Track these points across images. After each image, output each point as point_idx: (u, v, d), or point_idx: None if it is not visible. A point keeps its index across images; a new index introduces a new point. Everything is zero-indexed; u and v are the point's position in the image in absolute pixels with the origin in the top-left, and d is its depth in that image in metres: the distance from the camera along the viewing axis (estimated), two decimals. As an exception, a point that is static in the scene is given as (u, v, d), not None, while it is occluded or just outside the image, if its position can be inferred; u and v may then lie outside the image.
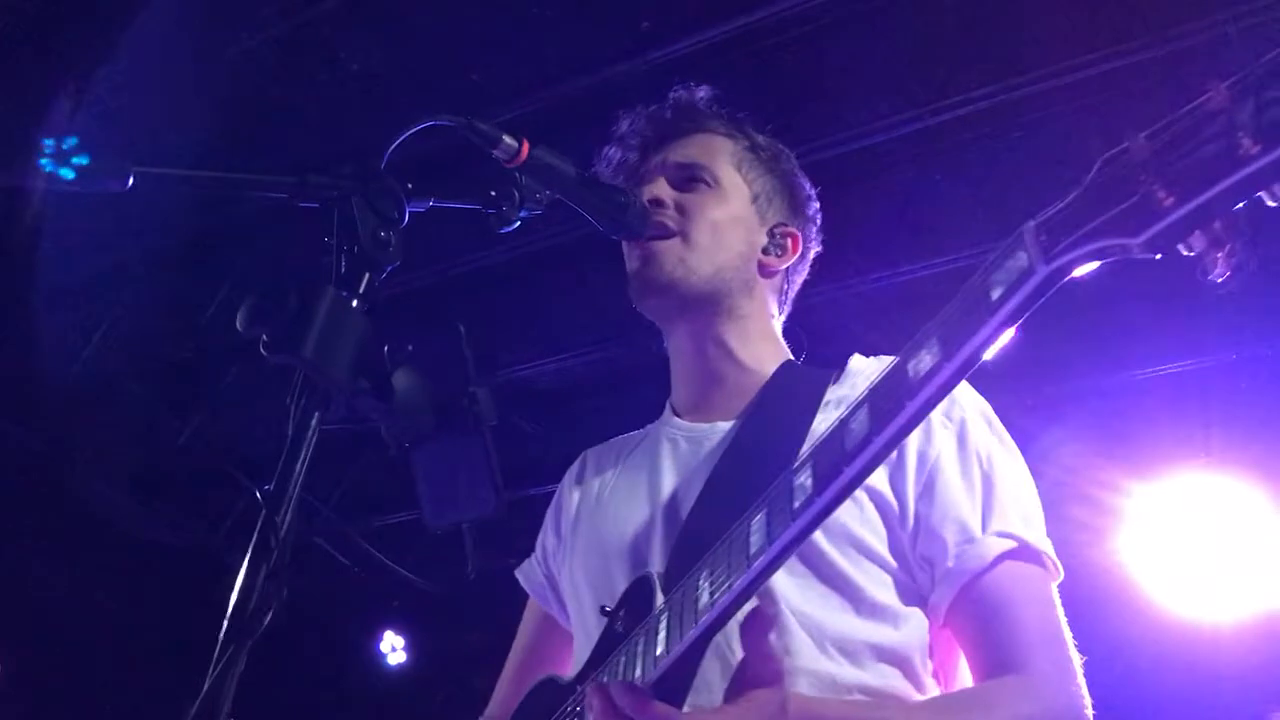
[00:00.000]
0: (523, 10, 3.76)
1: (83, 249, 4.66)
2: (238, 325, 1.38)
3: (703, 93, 2.27)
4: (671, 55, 3.71)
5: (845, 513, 1.81)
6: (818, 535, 1.75)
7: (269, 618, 1.23)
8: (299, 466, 1.34)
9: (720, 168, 2.18)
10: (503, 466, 1.61)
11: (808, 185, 2.31)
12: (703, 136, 2.23)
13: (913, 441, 1.85)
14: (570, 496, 2.27)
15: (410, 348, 1.52)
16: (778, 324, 2.24)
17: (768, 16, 3.60)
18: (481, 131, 1.81)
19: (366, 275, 1.51)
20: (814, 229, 2.30)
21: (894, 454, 1.78)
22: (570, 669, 1.99)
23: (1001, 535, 1.80)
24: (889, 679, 1.79)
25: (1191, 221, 1.07)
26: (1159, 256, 1.11)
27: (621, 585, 1.90)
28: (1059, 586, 1.86)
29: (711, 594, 1.53)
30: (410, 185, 1.61)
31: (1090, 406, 4.53)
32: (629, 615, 1.80)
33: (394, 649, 6.70)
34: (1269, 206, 1.04)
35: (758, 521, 1.51)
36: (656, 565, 1.89)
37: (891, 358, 1.41)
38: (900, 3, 3.60)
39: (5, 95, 3.79)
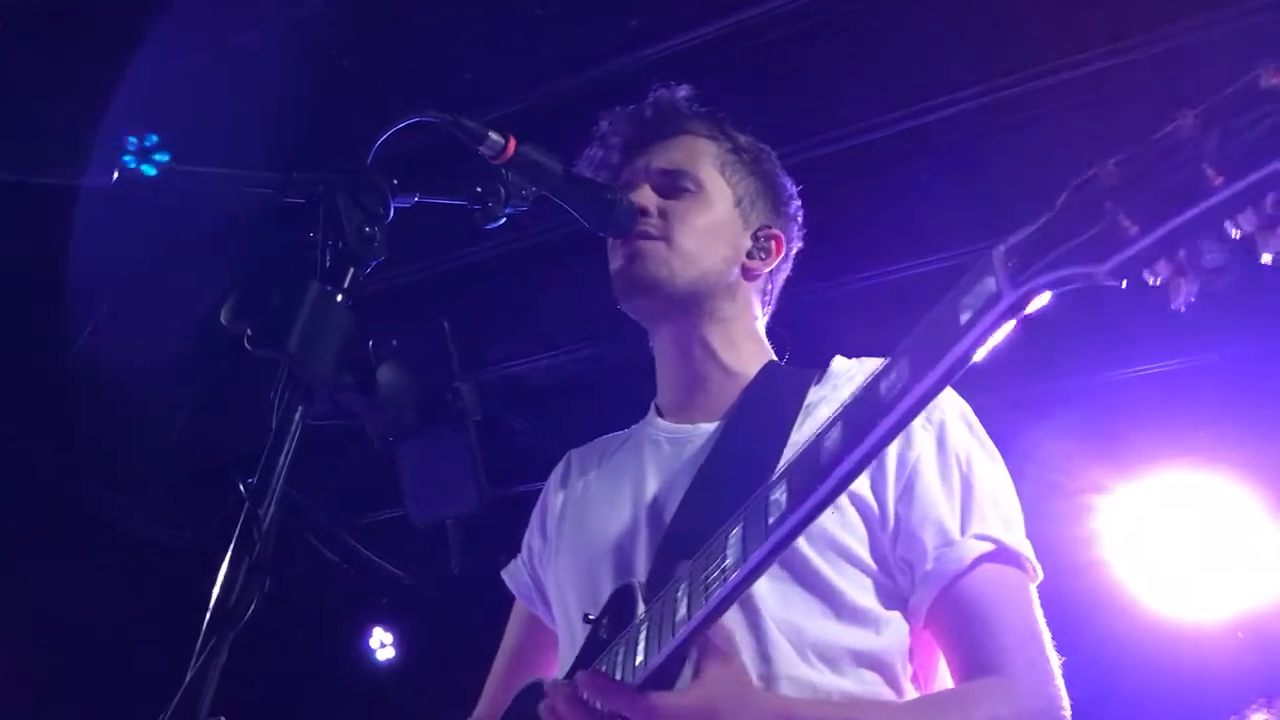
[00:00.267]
0: (515, 8, 3.75)
1: (79, 245, 4.63)
2: (222, 319, 1.38)
3: (683, 92, 2.27)
4: (662, 53, 3.71)
5: (826, 518, 1.80)
6: (799, 540, 1.76)
7: (251, 610, 1.23)
8: (282, 459, 1.35)
9: (704, 172, 2.18)
10: (492, 463, 1.62)
11: (789, 183, 2.31)
12: (686, 139, 2.23)
13: (893, 445, 1.86)
14: (555, 498, 2.27)
15: (395, 343, 1.53)
16: (761, 325, 2.25)
17: (757, 15, 3.60)
18: (467, 128, 1.82)
19: (351, 270, 1.52)
20: (796, 227, 2.30)
21: None
22: (556, 671, 2.00)
23: (980, 538, 1.81)
24: (870, 685, 1.80)
25: (1156, 250, 1.07)
26: (1124, 284, 1.11)
27: (606, 588, 1.90)
28: (1042, 586, 1.87)
29: (689, 608, 1.54)
30: (396, 181, 1.62)
31: (1075, 405, 4.53)
32: (612, 623, 1.81)
33: (383, 645, 6.68)
34: (1234, 236, 1.02)
35: (734, 535, 1.53)
36: (640, 569, 1.90)
37: (873, 359, 1.42)
38: (889, 2, 3.61)
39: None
